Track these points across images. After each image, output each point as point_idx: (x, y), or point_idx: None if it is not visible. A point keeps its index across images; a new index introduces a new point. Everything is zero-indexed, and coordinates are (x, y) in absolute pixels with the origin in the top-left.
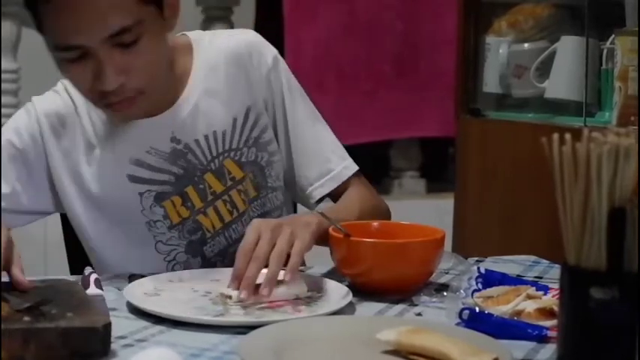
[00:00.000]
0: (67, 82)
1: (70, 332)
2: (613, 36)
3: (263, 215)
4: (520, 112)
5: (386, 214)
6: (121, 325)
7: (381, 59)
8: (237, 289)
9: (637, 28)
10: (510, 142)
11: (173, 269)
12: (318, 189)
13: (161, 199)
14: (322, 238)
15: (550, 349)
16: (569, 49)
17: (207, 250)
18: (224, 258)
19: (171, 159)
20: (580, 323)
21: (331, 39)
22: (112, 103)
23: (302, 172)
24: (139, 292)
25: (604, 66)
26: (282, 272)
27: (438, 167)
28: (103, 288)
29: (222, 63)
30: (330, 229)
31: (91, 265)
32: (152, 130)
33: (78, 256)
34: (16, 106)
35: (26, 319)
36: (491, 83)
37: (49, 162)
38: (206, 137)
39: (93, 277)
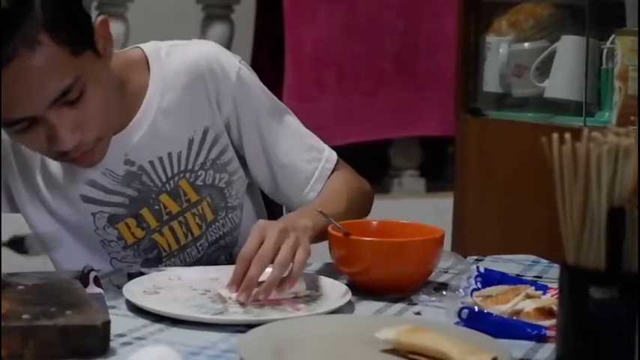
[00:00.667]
0: None
1: (69, 330)
2: (613, 36)
3: (224, 237)
4: (520, 112)
5: (370, 194)
6: (120, 323)
7: (381, 58)
8: (236, 292)
9: (637, 28)
10: (510, 142)
11: None
12: (310, 193)
13: (115, 221)
14: (320, 237)
15: (549, 348)
16: (569, 48)
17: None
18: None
19: (125, 181)
20: (579, 323)
21: (331, 38)
22: (73, 158)
23: (288, 183)
24: (138, 290)
25: (604, 66)
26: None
27: (437, 166)
28: (102, 286)
29: (179, 79)
30: (330, 228)
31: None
32: (107, 152)
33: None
34: None
35: (25, 316)
36: (491, 83)
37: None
38: (160, 159)
39: (92, 275)
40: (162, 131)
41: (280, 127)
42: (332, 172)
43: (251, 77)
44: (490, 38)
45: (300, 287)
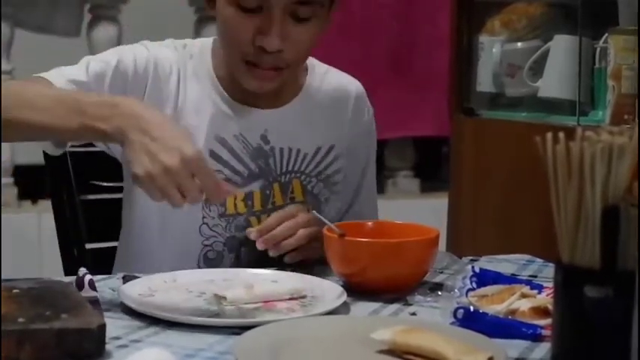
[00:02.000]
0: (178, 43)
1: (65, 333)
2: (606, 35)
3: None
4: (514, 112)
5: None
6: (116, 325)
7: (376, 59)
8: (255, 238)
9: (630, 27)
10: (504, 141)
11: (205, 255)
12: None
13: None
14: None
15: (544, 347)
16: (562, 48)
17: (243, 252)
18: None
19: (253, 154)
20: (574, 322)
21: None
22: (258, 65)
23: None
24: (134, 293)
25: (597, 65)
26: (275, 272)
27: (432, 166)
28: (98, 289)
29: (329, 96)
30: (325, 229)
31: (85, 266)
32: (249, 118)
33: (72, 257)
34: None
35: (21, 320)
36: (484, 82)
37: (144, 100)
38: (290, 150)
39: (87, 278)
40: (300, 128)
41: (374, 178)
42: None
43: (374, 125)
44: (483, 38)
45: (295, 288)
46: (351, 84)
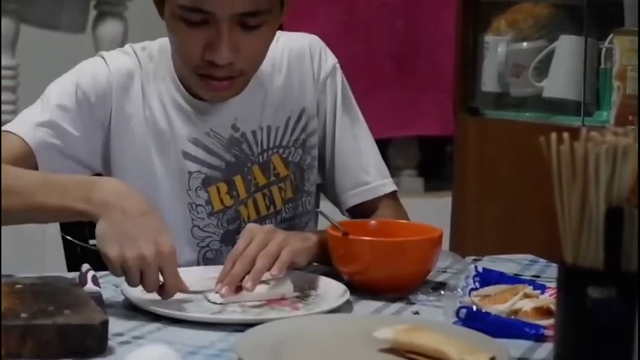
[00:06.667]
0: (137, 47)
1: (67, 329)
2: (611, 35)
3: (294, 218)
4: (518, 112)
5: None
6: (118, 322)
7: (380, 58)
8: (221, 291)
9: (636, 28)
10: (508, 141)
11: (205, 256)
12: (352, 197)
13: (208, 183)
14: (323, 254)
15: (547, 348)
16: (567, 48)
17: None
18: None
19: (227, 146)
20: (577, 322)
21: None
22: (212, 78)
23: (340, 179)
24: (137, 289)
25: (602, 65)
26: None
27: (436, 166)
28: (101, 285)
29: (285, 62)
30: (329, 228)
31: (88, 262)
32: (217, 113)
33: (75, 253)
34: (15, 103)
35: (23, 315)
36: (489, 82)
37: (112, 119)
38: (261, 129)
39: (90, 274)
40: (267, 106)
41: (358, 132)
42: (383, 202)
43: (344, 77)
44: (488, 38)
45: (287, 289)
46: (303, 39)
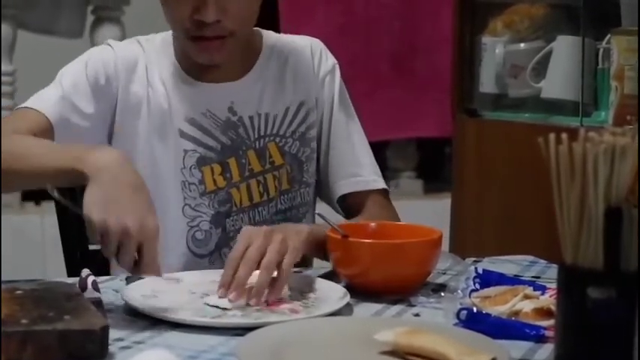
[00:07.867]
0: (141, 38)
1: (68, 335)
2: (609, 35)
3: (291, 209)
4: (516, 112)
5: None
6: (119, 327)
7: (378, 59)
8: (224, 296)
9: (633, 28)
10: (507, 142)
11: (194, 236)
12: (343, 186)
13: (202, 163)
14: (315, 248)
15: (547, 349)
16: (565, 48)
17: (229, 224)
18: None
19: (223, 128)
20: (577, 323)
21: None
22: (204, 38)
23: (333, 169)
24: (137, 294)
25: (600, 65)
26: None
27: (434, 167)
28: (101, 290)
29: (287, 54)
30: (328, 231)
31: (88, 268)
32: (213, 94)
33: (75, 258)
34: (12, 109)
35: (24, 321)
36: (487, 83)
37: (118, 98)
38: (259, 116)
39: (90, 279)
40: (266, 93)
41: (353, 132)
42: (373, 198)
43: (341, 79)
44: (486, 39)
45: (283, 291)
46: (305, 39)
